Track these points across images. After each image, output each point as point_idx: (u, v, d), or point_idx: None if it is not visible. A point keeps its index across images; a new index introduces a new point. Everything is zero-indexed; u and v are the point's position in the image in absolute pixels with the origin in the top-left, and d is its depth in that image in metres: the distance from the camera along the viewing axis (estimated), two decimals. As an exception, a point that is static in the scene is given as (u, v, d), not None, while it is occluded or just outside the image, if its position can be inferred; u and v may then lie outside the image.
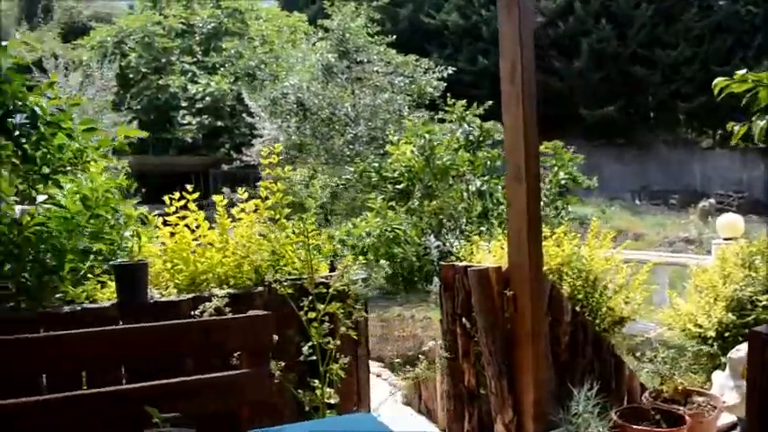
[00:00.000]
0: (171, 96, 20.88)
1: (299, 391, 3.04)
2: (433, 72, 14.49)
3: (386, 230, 7.05)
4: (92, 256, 3.60)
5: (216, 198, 3.68)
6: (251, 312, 2.57)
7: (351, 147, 13.47)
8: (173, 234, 3.54)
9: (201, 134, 20.56)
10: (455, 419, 4.38)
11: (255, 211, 3.65)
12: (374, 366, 7.02)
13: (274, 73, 17.21)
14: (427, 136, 7.04)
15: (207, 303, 2.76)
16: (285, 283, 3.09)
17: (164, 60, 21.80)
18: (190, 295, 3.21)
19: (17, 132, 3.20)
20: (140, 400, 2.16)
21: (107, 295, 3.26)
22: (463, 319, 4.23)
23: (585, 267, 4.26)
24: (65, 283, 3.26)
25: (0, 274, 3.03)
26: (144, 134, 4.68)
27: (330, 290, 3.16)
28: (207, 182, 21.56)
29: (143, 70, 21.47)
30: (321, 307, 3.11)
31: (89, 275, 3.35)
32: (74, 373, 2.55)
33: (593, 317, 4.28)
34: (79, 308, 3.03)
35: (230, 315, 2.68)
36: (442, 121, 9.01)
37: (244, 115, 17.55)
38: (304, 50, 15.63)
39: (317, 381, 3.08)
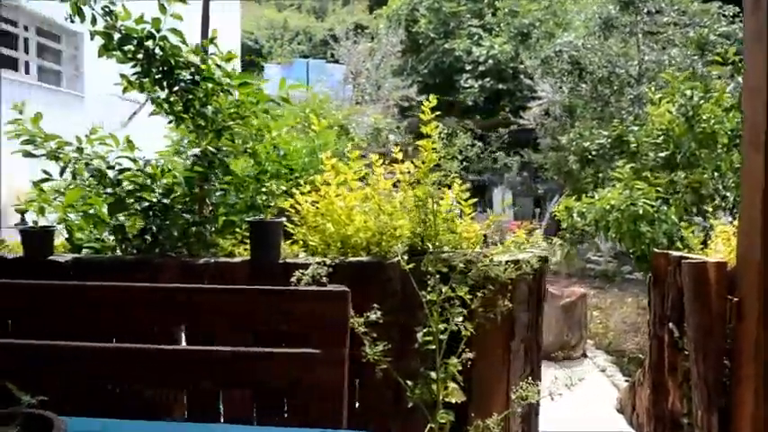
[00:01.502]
0: (455, 59, 21.14)
1: (409, 382, 2.62)
2: (741, 20, 12.05)
3: (630, 205, 6.01)
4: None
5: (372, 157, 3.39)
6: (331, 286, 2.23)
7: (630, 109, 12.02)
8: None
9: (483, 97, 20.47)
10: (653, 446, 3.52)
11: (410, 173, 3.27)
12: (602, 360, 6.15)
13: (550, 31, 16.16)
14: (689, 93, 5.74)
15: (302, 271, 2.49)
16: (404, 257, 2.67)
17: (451, 25, 22.12)
18: (317, 259, 3.00)
19: (176, 87, 3.28)
20: (180, 363, 2.00)
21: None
22: (670, 325, 3.33)
23: None
24: (213, 236, 3.31)
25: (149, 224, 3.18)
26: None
27: (456, 270, 2.65)
28: (485, 145, 21.51)
29: (431, 35, 22.08)
30: (444, 289, 2.62)
31: (237, 230, 3.36)
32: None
33: None
34: (213, 261, 3.03)
35: (331, 286, 2.37)
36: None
37: (522, 77, 16.93)
38: (585, 3, 14.30)
39: (434, 374, 2.62)
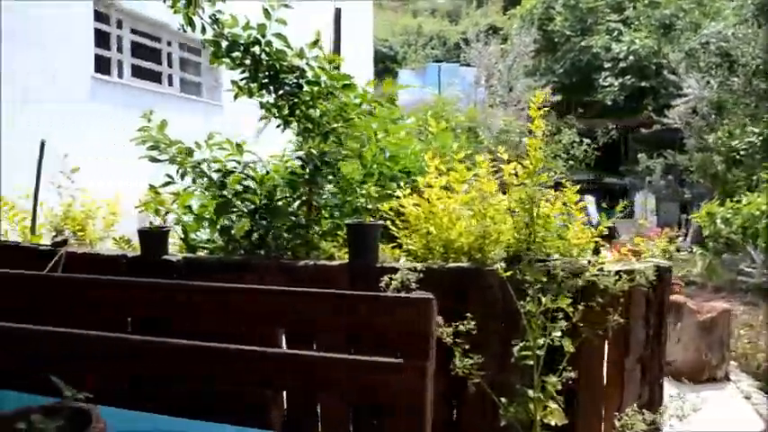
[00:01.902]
0: (593, 57, 20.12)
1: (503, 399, 2.44)
2: None
3: (782, 210, 5.33)
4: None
5: (478, 159, 3.23)
6: (415, 293, 2.11)
7: (790, 104, 10.77)
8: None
9: (623, 96, 19.31)
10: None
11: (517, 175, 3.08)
12: (746, 384, 5.49)
13: (696, 21, 14.85)
14: None
15: (392, 276, 2.40)
16: (502, 264, 2.50)
17: (589, 21, 21.10)
18: (410, 264, 2.91)
19: (281, 91, 3.32)
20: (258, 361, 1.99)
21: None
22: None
23: None
24: (317, 239, 3.31)
25: (255, 226, 3.24)
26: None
27: (556, 279, 2.43)
28: (626, 146, 20.31)
29: (567, 33, 21.19)
30: (544, 299, 2.42)
31: (339, 233, 3.34)
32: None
33: None
34: (312, 263, 3.02)
35: (416, 293, 2.25)
36: None
37: (665, 72, 15.77)
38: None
39: (531, 391, 2.42)
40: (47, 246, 3.59)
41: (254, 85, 3.39)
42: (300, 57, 3.37)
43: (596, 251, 2.80)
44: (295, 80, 3.35)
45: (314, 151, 3.31)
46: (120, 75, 8.27)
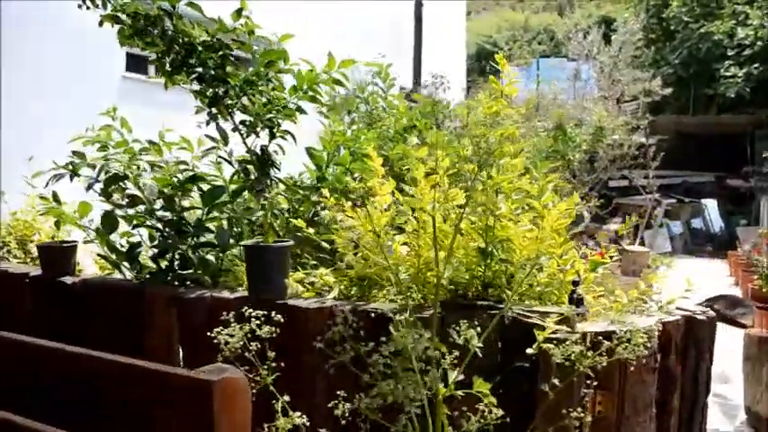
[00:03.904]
0: (714, 45, 17.87)
1: None
2: None
3: None
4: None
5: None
6: (229, 373, 1.34)
7: None
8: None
9: (748, 87, 16.99)
10: None
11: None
12: None
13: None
14: None
15: (230, 332, 1.63)
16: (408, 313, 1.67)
17: (712, 5, 18.81)
18: (334, 302, 2.15)
19: (194, 75, 2.64)
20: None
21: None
22: None
23: None
24: (229, 263, 2.61)
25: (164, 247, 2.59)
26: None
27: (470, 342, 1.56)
28: (753, 145, 17.94)
29: (685, 19, 19.01)
30: (452, 377, 1.56)
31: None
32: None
33: None
34: (208, 294, 2.33)
35: (212, 368, 1.45)
36: None
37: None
38: None
39: None
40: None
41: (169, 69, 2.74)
42: (223, 30, 2.69)
43: (571, 300, 1.85)
44: (218, 60, 2.67)
45: (260, 148, 2.63)
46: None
